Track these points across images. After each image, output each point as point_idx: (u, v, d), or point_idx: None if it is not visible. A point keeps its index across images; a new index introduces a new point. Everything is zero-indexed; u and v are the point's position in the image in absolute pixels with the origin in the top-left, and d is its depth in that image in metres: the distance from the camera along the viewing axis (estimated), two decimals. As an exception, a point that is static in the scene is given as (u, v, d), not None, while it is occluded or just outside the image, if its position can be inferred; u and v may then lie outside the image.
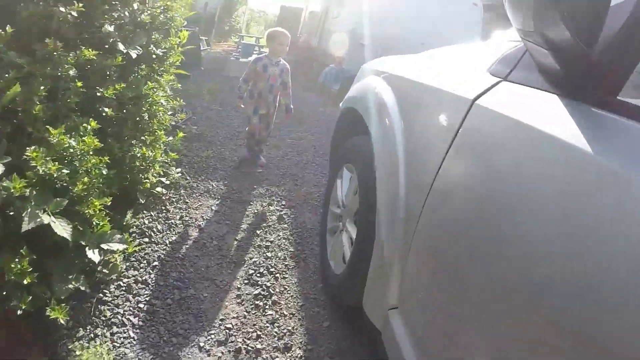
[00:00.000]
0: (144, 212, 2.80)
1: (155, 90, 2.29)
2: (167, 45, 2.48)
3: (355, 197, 1.94)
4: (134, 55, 1.99)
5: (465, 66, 1.44)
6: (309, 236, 2.87)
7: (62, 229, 1.75)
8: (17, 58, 1.77)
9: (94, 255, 1.90)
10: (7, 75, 1.71)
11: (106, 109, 1.97)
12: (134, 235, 2.53)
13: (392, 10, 8.14)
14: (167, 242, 2.55)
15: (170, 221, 2.77)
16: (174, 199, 3.05)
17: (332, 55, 8.90)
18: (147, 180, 2.75)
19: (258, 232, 2.82)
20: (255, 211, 3.08)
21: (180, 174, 3.34)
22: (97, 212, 1.98)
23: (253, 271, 2.41)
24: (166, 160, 2.98)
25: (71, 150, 1.71)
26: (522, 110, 0.99)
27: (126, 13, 2.03)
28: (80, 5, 1.84)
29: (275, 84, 3.72)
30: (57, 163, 1.71)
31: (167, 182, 3.10)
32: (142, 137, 2.40)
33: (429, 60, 1.83)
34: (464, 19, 8.72)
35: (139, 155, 2.30)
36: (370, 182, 1.69)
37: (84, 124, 1.78)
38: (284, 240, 2.77)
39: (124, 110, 2.23)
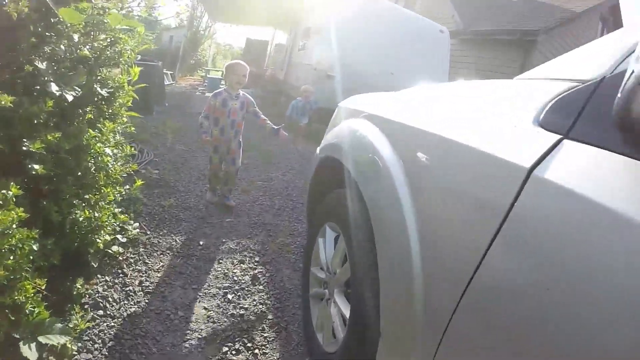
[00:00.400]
0: (98, 276, 2.41)
1: (97, 139, 1.93)
2: (115, 84, 2.13)
3: (345, 266, 1.64)
4: (69, 98, 1.64)
5: (495, 112, 1.11)
6: (289, 297, 2.53)
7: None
8: None
9: (30, 352, 1.56)
10: None
11: (36, 167, 1.61)
12: (86, 307, 2.15)
13: (360, 41, 8.04)
14: (125, 315, 2.17)
15: (128, 288, 2.38)
16: (132, 260, 2.66)
17: (298, 88, 8.73)
18: (100, 240, 2.37)
19: (230, 296, 2.45)
20: (226, 271, 2.72)
21: (138, 229, 2.96)
22: (32, 296, 1.62)
23: (227, 348, 2.05)
24: (115, 223, 2.59)
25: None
26: (615, 191, 0.68)
27: (62, 47, 1.68)
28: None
29: (237, 118, 3.55)
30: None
31: (124, 240, 2.72)
32: (86, 196, 2.03)
33: (430, 100, 1.54)
34: (432, 46, 8.76)
35: (81, 219, 1.92)
36: (366, 256, 1.39)
37: (3, 191, 1.41)
38: (260, 306, 2.41)
39: (62, 165, 1.87)
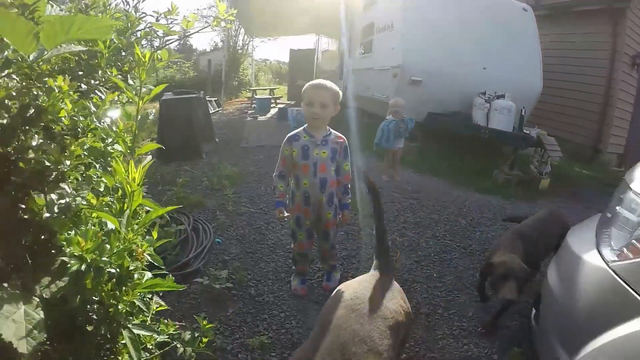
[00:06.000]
0: None
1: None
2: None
3: None
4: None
5: None
6: None
7: None
8: None
9: None
10: None
11: None
12: None
13: (443, 35, 6.56)
14: None
15: None
16: None
17: (371, 99, 7.18)
18: None
19: None
20: None
21: None
22: None
23: None
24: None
25: None
26: None
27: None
28: None
29: (328, 174, 2.35)
30: None
31: None
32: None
33: None
34: (519, 30, 7.19)
35: None
36: None
37: None
38: None
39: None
